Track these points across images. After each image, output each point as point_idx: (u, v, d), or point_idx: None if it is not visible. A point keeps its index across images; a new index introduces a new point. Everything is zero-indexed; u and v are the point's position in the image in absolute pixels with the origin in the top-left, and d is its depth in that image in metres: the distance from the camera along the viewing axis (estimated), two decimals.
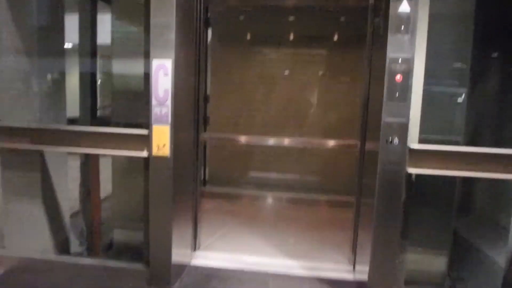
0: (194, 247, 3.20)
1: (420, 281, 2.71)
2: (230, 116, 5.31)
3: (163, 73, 2.38)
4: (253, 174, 5.31)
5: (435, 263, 2.76)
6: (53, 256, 2.94)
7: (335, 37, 5.26)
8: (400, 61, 2.20)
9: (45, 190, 2.93)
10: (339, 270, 2.98)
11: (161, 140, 2.44)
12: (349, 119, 4.73)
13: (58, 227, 3.07)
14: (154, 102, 2.41)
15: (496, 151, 2.32)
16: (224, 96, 5.31)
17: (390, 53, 2.22)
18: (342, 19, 4.99)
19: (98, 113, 3.29)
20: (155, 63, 2.39)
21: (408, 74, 2.21)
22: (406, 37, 2.20)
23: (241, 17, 5.26)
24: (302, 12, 5.06)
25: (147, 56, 2.45)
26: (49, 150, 2.83)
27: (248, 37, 5.50)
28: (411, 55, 2.20)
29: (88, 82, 3.20)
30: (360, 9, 2.99)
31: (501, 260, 2.69)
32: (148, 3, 2.43)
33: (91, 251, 3.32)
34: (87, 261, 2.86)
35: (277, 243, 3.48)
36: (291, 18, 5.21)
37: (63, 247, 3.12)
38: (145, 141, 2.49)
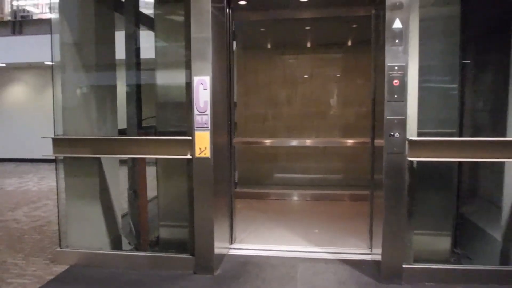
0: (231, 240, 3.82)
1: (429, 259, 3.23)
2: (255, 119, 6.06)
3: (202, 88, 3.07)
4: (279, 174, 5.98)
5: (441, 242, 3.29)
6: (110, 251, 3.62)
7: (349, 42, 5.96)
8: (396, 68, 2.83)
9: (102, 193, 3.62)
10: (358, 253, 3.55)
11: (203, 143, 3.11)
12: (365, 117, 5.34)
13: (112, 225, 3.75)
14: (196, 112, 3.09)
15: (478, 139, 2.94)
16: (248, 101, 6.06)
17: (388, 62, 2.84)
18: (354, 25, 5.65)
19: (143, 123, 4.00)
20: (196, 79, 3.08)
21: (403, 79, 2.82)
22: (401, 49, 2.83)
23: (262, 29, 6.02)
24: (317, 21, 5.73)
25: (187, 67, 3.15)
26: (109, 157, 3.54)
27: (269, 46, 6.29)
28: (405, 62, 2.82)
29: (134, 95, 3.92)
30: (367, 18, 3.63)
31: (498, 237, 3.22)
32: (188, 21, 3.12)
33: (139, 248, 3.97)
34: (139, 254, 3.52)
35: (303, 234, 4.09)
36: (308, 27, 5.94)
37: (116, 243, 3.79)
38: (189, 145, 3.15)
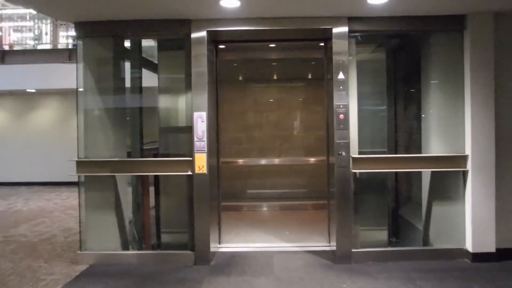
0: (219, 241, 4.87)
1: (372, 245, 4.43)
2: (231, 142, 7.19)
3: (201, 121, 4.17)
4: (251, 188, 7.12)
5: (380, 233, 4.52)
6: (122, 251, 4.55)
7: (309, 76, 7.31)
8: (341, 106, 4.07)
9: (116, 204, 4.58)
10: (320, 246, 4.71)
11: (201, 162, 4.19)
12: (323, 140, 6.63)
13: (122, 231, 4.69)
14: (195, 138, 4.17)
15: (401, 156, 4.27)
16: (225, 127, 7.19)
17: (335, 102, 4.09)
18: (313, 63, 6.99)
19: (144, 147, 5.03)
20: (196, 114, 4.18)
21: (346, 114, 4.07)
22: (344, 93, 4.09)
23: (235, 64, 7.25)
24: (283, 60, 7.02)
25: (186, 103, 4.28)
26: (123, 175, 4.53)
27: (242, 79, 7.52)
28: (347, 102, 4.08)
29: (137, 122, 4.95)
30: (321, 59, 4.87)
31: (420, 227, 4.50)
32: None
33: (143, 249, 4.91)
34: (148, 252, 4.51)
35: (276, 235, 5.24)
36: (274, 63, 7.26)
37: (126, 245, 4.72)
38: (190, 164, 4.22)
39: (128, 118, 4.95)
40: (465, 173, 4.26)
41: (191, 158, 4.22)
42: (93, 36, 4.47)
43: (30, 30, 11.22)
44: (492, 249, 4.22)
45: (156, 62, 4.91)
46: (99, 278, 4.03)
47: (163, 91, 4.76)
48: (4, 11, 11.13)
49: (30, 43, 11.19)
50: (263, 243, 4.88)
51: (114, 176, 4.50)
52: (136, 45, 5.01)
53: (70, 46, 10.30)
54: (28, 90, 9.96)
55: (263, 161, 6.26)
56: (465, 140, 4.27)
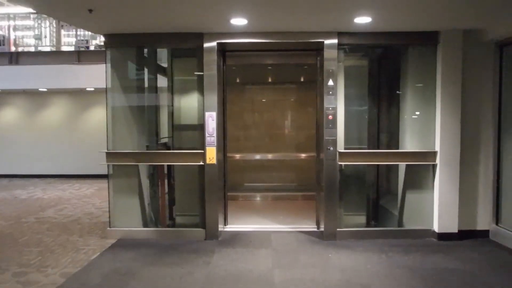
0: (225, 223, 5.78)
1: (354, 227, 5.34)
2: (230, 140, 8.00)
3: (211, 119, 5.06)
4: (248, 181, 8.05)
5: (361, 217, 5.45)
6: (145, 228, 5.45)
7: (302, 80, 8.20)
8: (330, 108, 4.97)
9: (139, 190, 5.48)
10: (309, 227, 5.62)
11: (211, 155, 5.08)
12: (313, 137, 7.50)
13: (143, 211, 5.59)
14: (206, 134, 5.07)
15: (380, 151, 5.17)
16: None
17: (325, 105, 4.99)
18: (306, 67, 7.88)
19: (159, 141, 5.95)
20: (207, 114, 5.07)
21: (334, 115, 4.97)
22: (333, 97, 4.98)
23: (234, 68, 8.13)
24: (278, 65, 7.91)
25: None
26: (145, 164, 5.44)
27: (239, 81, 8.39)
28: (335, 105, 4.98)
29: (154, 119, 5.85)
30: (314, 64, 5.73)
31: (396, 213, 5.42)
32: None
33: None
34: (167, 229, 5.43)
35: (272, 219, 6.13)
36: (271, 67, 8.14)
37: (146, 223, 5.61)
38: (202, 156, 5.11)
39: (146, 116, 5.84)
40: (434, 167, 5.15)
41: (203, 151, 5.12)
42: (119, 47, 5.36)
43: (29, 29, 12.04)
44: (455, 230, 5.11)
45: (166, 66, 5.85)
46: (128, 248, 4.91)
47: (176, 92, 5.68)
48: (6, 10, 11.77)
49: (34, 42, 12.01)
50: (262, 225, 5.79)
51: (137, 166, 5.41)
52: (153, 53, 5.90)
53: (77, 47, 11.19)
54: (40, 90, 10.87)
55: (258, 156, 7.28)
56: (435, 138, 5.13)
